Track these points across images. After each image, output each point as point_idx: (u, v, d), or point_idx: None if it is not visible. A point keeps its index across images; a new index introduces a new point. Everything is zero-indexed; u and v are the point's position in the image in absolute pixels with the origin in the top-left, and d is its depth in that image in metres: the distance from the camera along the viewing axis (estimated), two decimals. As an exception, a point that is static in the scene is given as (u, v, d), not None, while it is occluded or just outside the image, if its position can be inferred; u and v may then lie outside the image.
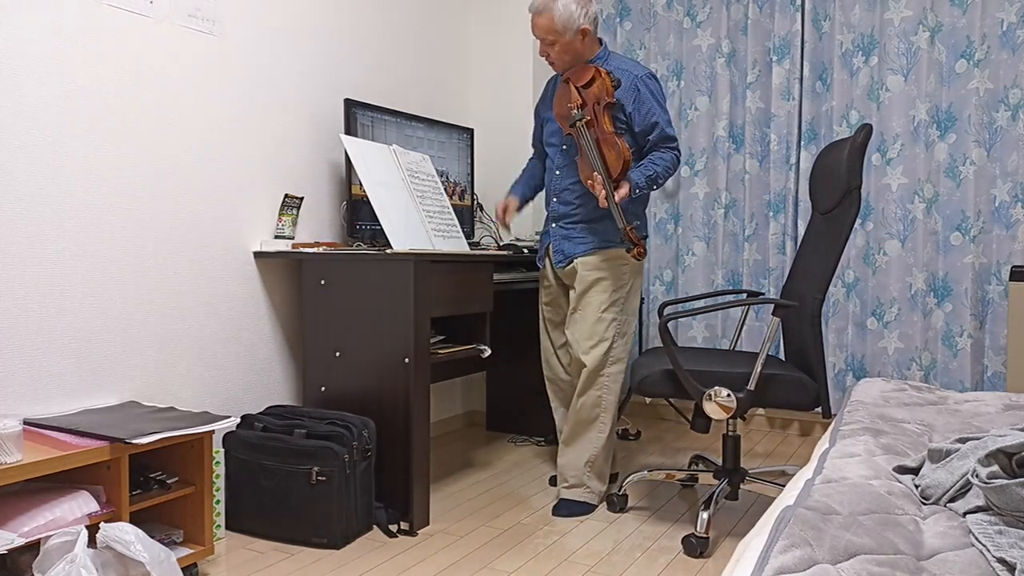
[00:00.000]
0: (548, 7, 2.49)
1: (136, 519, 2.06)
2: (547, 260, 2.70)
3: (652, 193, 4.00)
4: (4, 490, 1.83)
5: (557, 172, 2.62)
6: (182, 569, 1.94)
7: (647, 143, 2.54)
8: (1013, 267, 2.86)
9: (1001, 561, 0.94)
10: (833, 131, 3.44)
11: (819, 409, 2.30)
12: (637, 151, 2.54)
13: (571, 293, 2.60)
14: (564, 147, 2.61)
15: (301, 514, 2.26)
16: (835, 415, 1.99)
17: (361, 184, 2.76)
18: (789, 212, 3.56)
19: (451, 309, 2.53)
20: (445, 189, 3.18)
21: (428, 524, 2.46)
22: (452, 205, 3.18)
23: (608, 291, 2.55)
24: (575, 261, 2.58)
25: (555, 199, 2.64)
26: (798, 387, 2.26)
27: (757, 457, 3.28)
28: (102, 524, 1.72)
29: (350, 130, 2.76)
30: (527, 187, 2.87)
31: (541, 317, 2.80)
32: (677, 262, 3.85)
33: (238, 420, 2.47)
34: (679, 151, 2.57)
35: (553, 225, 2.65)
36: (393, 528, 2.39)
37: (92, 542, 1.73)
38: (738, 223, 3.71)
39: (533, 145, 2.88)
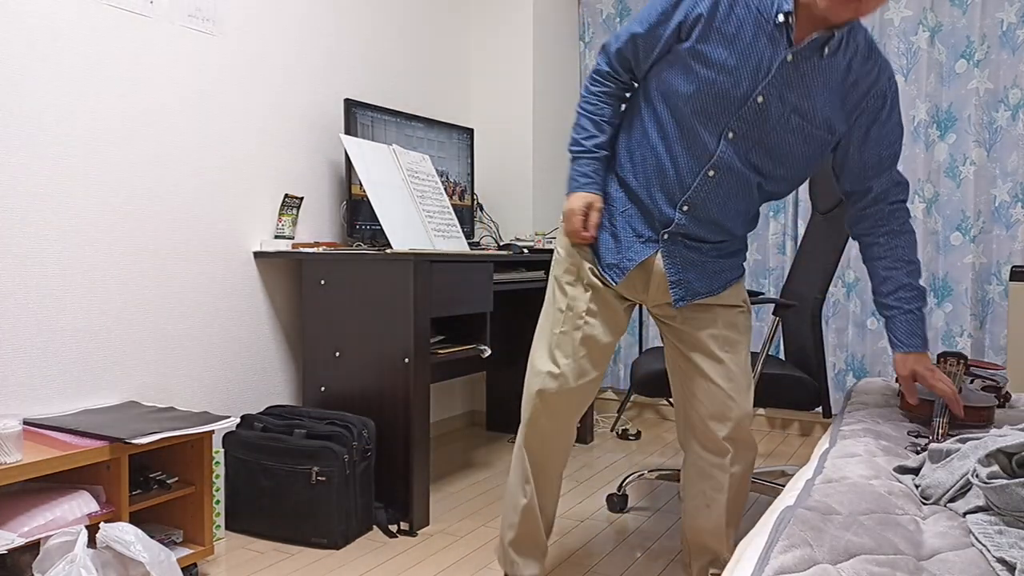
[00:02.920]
0: None
1: (136, 519, 2.06)
2: (634, 285, 1.72)
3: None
4: (4, 490, 1.83)
5: (711, 174, 1.57)
6: (182, 569, 1.94)
7: (860, 188, 1.65)
8: (1013, 267, 2.86)
9: (1001, 561, 0.94)
10: (833, 131, 3.44)
11: (819, 409, 2.30)
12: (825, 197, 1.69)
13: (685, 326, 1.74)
14: (732, 134, 1.54)
15: (301, 514, 2.26)
16: (835, 415, 1.99)
17: (361, 184, 2.76)
18: (789, 212, 3.55)
19: (451, 309, 2.53)
20: (445, 189, 3.18)
21: (428, 524, 2.46)
22: (452, 205, 3.18)
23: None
24: (711, 297, 1.72)
25: (686, 209, 1.61)
26: (798, 387, 2.26)
27: (757, 457, 3.28)
28: (102, 524, 1.72)
29: (350, 130, 2.76)
30: (604, 171, 1.72)
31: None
32: (677, 262, 3.85)
33: (238, 420, 2.47)
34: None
35: (666, 238, 1.66)
36: (393, 528, 2.39)
37: (92, 542, 1.73)
38: (738, 223, 3.71)
39: (617, 96, 1.70)
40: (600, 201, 1.69)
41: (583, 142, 1.70)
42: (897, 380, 2.13)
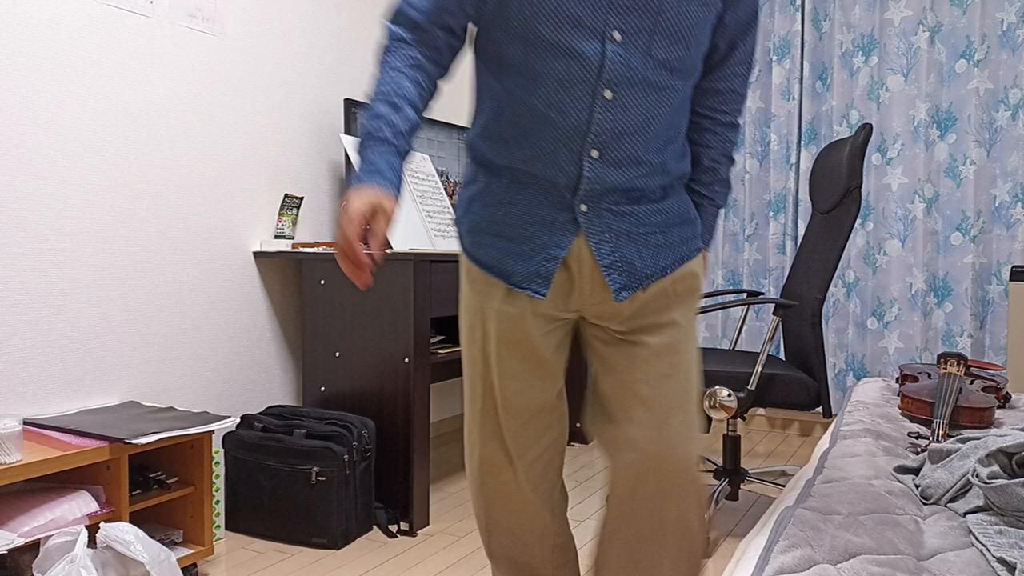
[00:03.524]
0: None
1: (136, 519, 2.06)
2: (562, 285, 1.26)
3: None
4: (4, 490, 1.83)
5: (608, 95, 1.14)
6: (182, 569, 1.94)
7: (708, 88, 1.30)
8: (1013, 267, 2.86)
9: (1001, 561, 0.94)
10: (833, 131, 3.44)
11: (819, 409, 2.30)
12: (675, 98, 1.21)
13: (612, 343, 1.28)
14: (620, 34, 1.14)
15: (301, 514, 2.26)
16: (835, 415, 1.99)
17: (361, 184, 2.76)
18: (789, 212, 3.56)
19: (451, 309, 2.53)
20: (445, 189, 3.18)
21: (428, 524, 2.46)
22: (452, 205, 3.18)
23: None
24: (661, 282, 1.26)
25: (595, 155, 1.18)
26: (798, 387, 2.26)
27: (757, 457, 3.27)
28: (102, 524, 1.72)
29: (350, 130, 2.76)
30: (401, 165, 1.18)
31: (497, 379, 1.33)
32: (677, 262, 3.85)
33: (238, 420, 2.47)
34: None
35: (585, 210, 1.21)
36: (393, 528, 2.39)
37: (92, 542, 1.73)
38: (738, 223, 3.71)
39: (426, 67, 1.22)
40: (393, 204, 1.11)
41: (384, 127, 1.15)
42: (899, 380, 2.13)
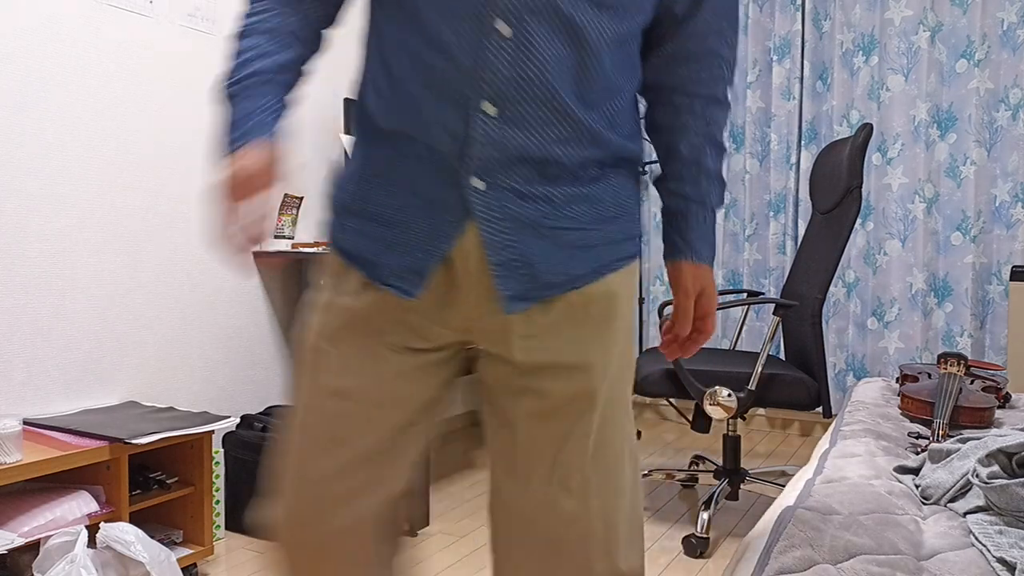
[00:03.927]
0: None
1: (136, 519, 2.06)
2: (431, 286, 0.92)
3: (650, 192, 4.00)
4: (4, 490, 1.83)
5: (505, 31, 0.84)
6: (182, 569, 1.94)
7: (676, 52, 0.99)
8: (1013, 267, 2.86)
9: (1001, 561, 0.94)
10: (833, 131, 3.44)
11: (819, 409, 2.30)
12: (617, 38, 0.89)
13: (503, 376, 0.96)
14: None
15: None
16: (836, 415, 1.99)
17: (361, 184, 2.76)
18: (789, 212, 3.56)
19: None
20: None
21: (428, 524, 2.46)
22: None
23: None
24: (568, 298, 0.93)
25: (492, 112, 0.85)
26: (799, 387, 2.26)
27: (757, 457, 3.27)
28: (102, 524, 1.72)
29: (350, 130, 2.76)
30: (280, 107, 0.98)
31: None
32: (677, 262, 3.84)
33: (238, 420, 2.47)
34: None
35: (482, 188, 0.87)
36: (393, 528, 2.39)
37: (92, 542, 1.73)
38: (738, 223, 3.71)
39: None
40: (272, 163, 0.95)
41: (243, 66, 0.92)
42: (899, 380, 2.13)
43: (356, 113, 0.96)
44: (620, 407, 0.96)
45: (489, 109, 0.84)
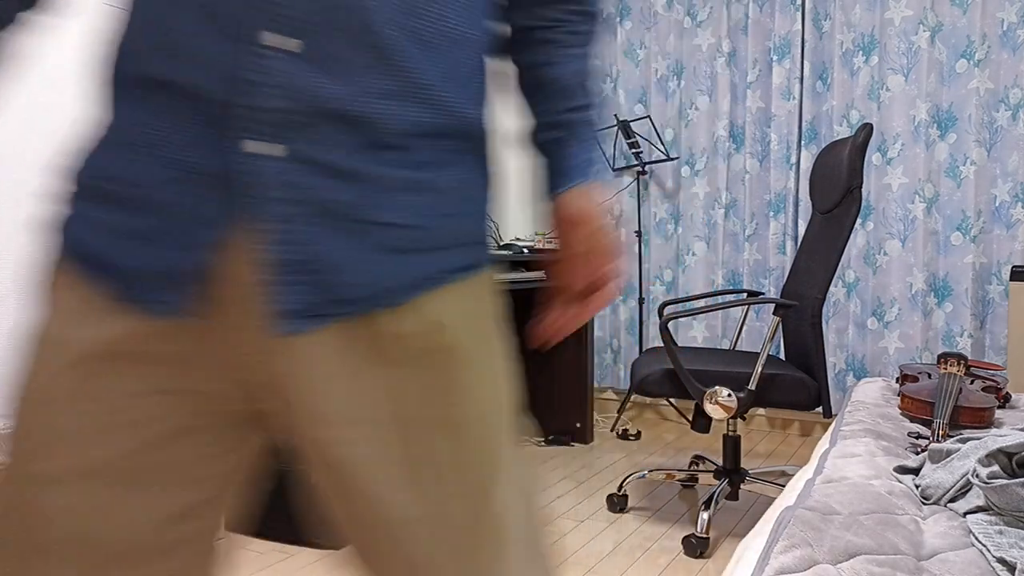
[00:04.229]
0: None
1: (136, 519, 2.06)
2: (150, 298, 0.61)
3: (650, 192, 4.00)
4: (4, 490, 1.83)
5: None
6: (182, 569, 1.94)
7: None
8: (1014, 267, 2.86)
9: (1001, 561, 0.94)
10: (833, 131, 3.44)
11: (819, 409, 2.30)
12: None
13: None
14: None
15: (301, 514, 2.26)
16: (836, 415, 1.99)
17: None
18: (789, 212, 3.56)
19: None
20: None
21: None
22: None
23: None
24: (377, 322, 0.63)
25: (267, 40, 0.58)
26: (799, 387, 2.26)
27: (757, 457, 3.28)
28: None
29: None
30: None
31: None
32: (677, 262, 3.85)
33: (238, 420, 2.47)
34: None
35: (257, 150, 0.58)
36: (393, 528, 2.38)
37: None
38: (738, 223, 3.71)
39: None
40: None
41: None
42: (899, 380, 2.13)
43: (103, 60, 0.66)
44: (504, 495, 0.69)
45: (269, 39, 0.57)
